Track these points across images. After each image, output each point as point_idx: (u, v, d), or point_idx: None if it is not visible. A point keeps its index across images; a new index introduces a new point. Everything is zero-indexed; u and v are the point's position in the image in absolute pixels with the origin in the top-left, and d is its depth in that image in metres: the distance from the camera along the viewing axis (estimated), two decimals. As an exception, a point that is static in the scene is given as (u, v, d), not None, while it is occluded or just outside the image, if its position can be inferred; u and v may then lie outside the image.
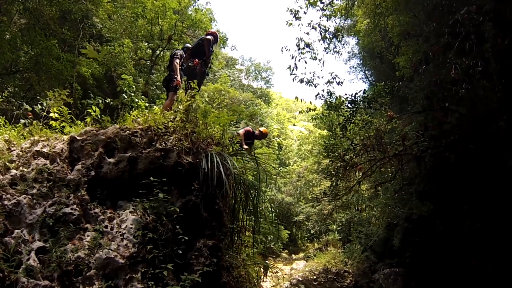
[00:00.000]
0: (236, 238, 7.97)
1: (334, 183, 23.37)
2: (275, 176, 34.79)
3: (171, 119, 6.76)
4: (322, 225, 33.69)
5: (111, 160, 5.82)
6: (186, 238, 4.81)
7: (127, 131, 6.22)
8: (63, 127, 6.93)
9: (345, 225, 32.17)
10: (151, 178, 5.10)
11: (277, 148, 38.17)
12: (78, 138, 6.03)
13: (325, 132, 30.54)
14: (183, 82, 9.26)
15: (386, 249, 27.56)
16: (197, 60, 10.28)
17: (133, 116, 7.41)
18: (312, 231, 34.41)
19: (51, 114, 6.80)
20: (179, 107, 7.25)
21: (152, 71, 27.80)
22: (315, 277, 26.16)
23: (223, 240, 6.62)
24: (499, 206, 16.09)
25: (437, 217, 21.19)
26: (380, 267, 26.88)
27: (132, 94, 9.73)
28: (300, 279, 26.30)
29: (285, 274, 27.74)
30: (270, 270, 25.51)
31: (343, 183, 28.83)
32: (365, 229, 30.17)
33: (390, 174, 27.15)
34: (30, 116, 8.39)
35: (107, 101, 8.57)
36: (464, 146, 14.38)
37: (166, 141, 6.10)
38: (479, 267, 18.94)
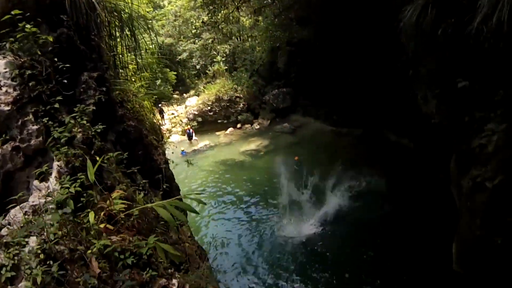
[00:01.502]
0: (122, 71, 7.89)
1: (212, 11, 22.98)
2: (150, 21, 32.92)
3: None
4: (206, 59, 34.01)
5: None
6: (68, 65, 4.64)
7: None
8: None
9: (229, 55, 32.85)
10: (12, 12, 4.58)
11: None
12: None
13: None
14: None
15: (272, 72, 29.29)
16: None
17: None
18: (198, 67, 34.74)
19: None
20: None
21: None
22: (209, 108, 27.36)
23: (107, 71, 6.52)
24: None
25: (317, 40, 22.54)
26: (268, 89, 28.88)
27: None
28: (196, 113, 27.38)
29: (181, 114, 28.65)
30: (165, 112, 25.93)
31: (221, 12, 28.54)
32: (249, 56, 31.24)
33: (269, 0, 27.25)
34: None
35: None
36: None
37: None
38: (353, 83, 21.38)
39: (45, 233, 3.13)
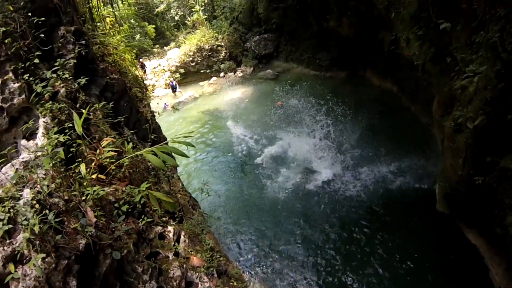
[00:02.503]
0: (99, 24, 7.71)
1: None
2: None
3: None
4: (185, 9, 33.01)
5: None
6: (43, 19, 4.55)
7: None
8: None
9: (207, 4, 31.83)
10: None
11: None
12: None
13: None
14: None
15: (253, 19, 28.57)
16: None
17: None
18: (177, 18, 33.77)
19: None
20: None
21: None
22: (191, 58, 26.87)
23: (84, 24, 6.39)
24: None
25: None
26: (250, 36, 28.35)
27: None
28: (178, 64, 26.92)
29: (163, 67, 28.16)
30: (146, 67, 25.45)
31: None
32: (228, 3, 30.34)
33: None
34: None
35: None
36: None
37: None
38: (335, 27, 21.04)
39: (38, 186, 3.19)
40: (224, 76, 26.79)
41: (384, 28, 17.43)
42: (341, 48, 21.75)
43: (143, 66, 25.27)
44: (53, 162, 3.38)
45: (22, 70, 4.38)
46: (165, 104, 21.68)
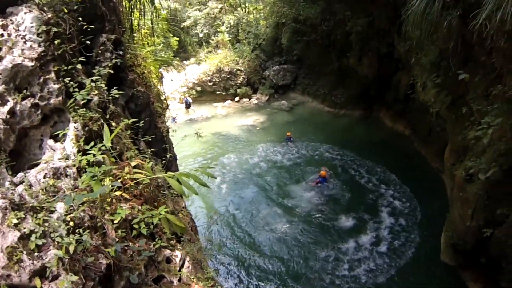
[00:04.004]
0: (135, 34, 7.77)
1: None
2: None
3: None
4: (210, 28, 33.49)
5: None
6: (92, 26, 4.58)
7: None
8: None
9: (233, 26, 32.30)
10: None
11: None
12: None
13: None
14: None
15: (275, 48, 28.92)
16: None
17: None
18: (201, 35, 34.21)
19: None
20: None
21: None
22: (209, 78, 27.06)
23: (124, 34, 6.44)
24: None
25: (323, 19, 22.33)
26: (270, 65, 28.62)
27: None
28: (196, 81, 27.09)
29: (180, 81, 28.35)
30: (164, 78, 25.69)
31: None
32: (253, 29, 30.80)
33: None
34: None
35: None
36: None
37: None
38: (354, 66, 21.34)
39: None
40: (239, 101, 26.91)
41: (402, 71, 17.67)
42: (358, 86, 21.93)
43: (161, 77, 25.37)
44: (87, 180, 3.32)
45: (64, 72, 4.38)
46: (174, 118, 21.62)
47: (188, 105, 25.22)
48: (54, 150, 4.11)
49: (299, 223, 12.91)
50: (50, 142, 4.23)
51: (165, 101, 10.22)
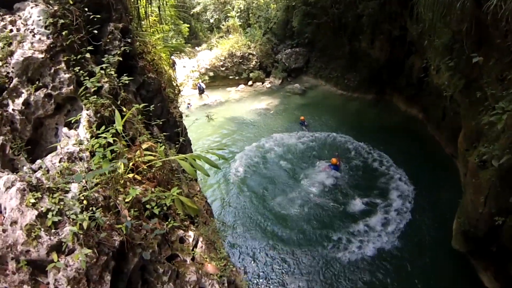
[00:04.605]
0: (143, 22, 7.88)
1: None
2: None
3: None
4: (220, 13, 33.40)
5: None
6: (99, 16, 4.71)
7: None
8: None
9: (243, 11, 32.18)
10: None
11: None
12: None
13: None
14: None
15: (286, 31, 28.79)
16: None
17: None
18: (212, 21, 34.17)
19: None
20: None
21: None
22: (221, 63, 27.12)
23: (131, 22, 6.56)
24: None
25: (333, 1, 22.11)
26: (281, 48, 28.54)
27: None
28: (208, 67, 27.18)
29: (192, 66, 28.45)
30: (176, 64, 25.81)
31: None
32: (264, 13, 30.64)
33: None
34: None
35: None
36: None
37: None
38: (367, 48, 21.06)
39: (83, 181, 3.30)
40: (252, 85, 26.96)
41: (415, 54, 17.42)
42: (371, 70, 21.78)
43: (173, 64, 25.54)
44: (102, 161, 3.49)
45: (74, 62, 4.53)
46: (188, 104, 21.86)
47: (201, 91, 25.39)
48: (68, 137, 4.29)
49: (312, 205, 13.11)
50: (65, 130, 4.41)
51: (177, 87, 10.34)
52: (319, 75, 26.00)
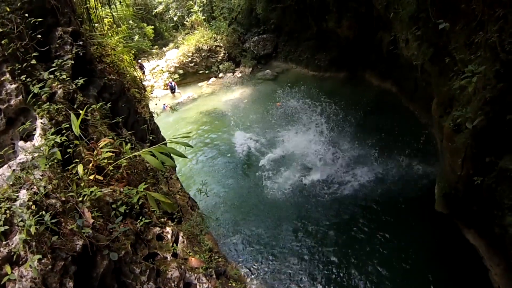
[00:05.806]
0: (97, 25, 7.70)
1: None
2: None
3: None
4: (183, 10, 32.99)
5: None
6: (40, 19, 4.54)
7: None
8: None
9: (206, 4, 31.79)
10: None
11: None
12: None
13: None
14: None
15: (251, 19, 28.60)
16: None
17: None
18: (175, 19, 33.74)
19: None
20: None
21: None
22: (189, 59, 26.83)
23: (82, 25, 6.38)
24: None
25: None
26: (248, 37, 28.36)
27: None
28: (177, 65, 26.89)
29: (162, 68, 28.17)
30: (145, 68, 25.41)
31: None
32: (226, 3, 30.33)
33: None
34: None
35: None
36: None
37: None
38: (334, 27, 21.06)
39: (35, 187, 3.18)
40: (223, 76, 26.75)
41: (383, 29, 17.46)
42: (340, 48, 21.75)
43: (142, 67, 25.28)
44: (50, 163, 3.37)
45: (19, 71, 4.36)
46: (164, 104, 21.65)
47: (173, 90, 25.13)
48: (26, 150, 4.15)
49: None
50: (21, 143, 4.27)
51: (143, 87, 10.18)
52: (289, 59, 25.90)
